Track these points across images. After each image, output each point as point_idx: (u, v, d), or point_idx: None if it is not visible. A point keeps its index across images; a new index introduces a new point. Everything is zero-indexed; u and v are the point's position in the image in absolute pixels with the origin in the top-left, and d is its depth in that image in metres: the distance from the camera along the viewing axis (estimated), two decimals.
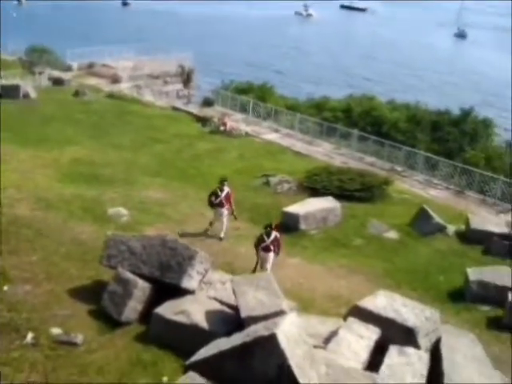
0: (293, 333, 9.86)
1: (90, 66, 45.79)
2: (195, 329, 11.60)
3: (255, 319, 10.98)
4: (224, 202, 18.27)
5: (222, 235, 18.35)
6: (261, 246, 15.71)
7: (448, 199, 27.18)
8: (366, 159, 31.98)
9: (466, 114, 44.66)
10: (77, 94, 37.79)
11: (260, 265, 15.77)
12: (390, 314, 11.97)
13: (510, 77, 77.80)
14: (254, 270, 15.57)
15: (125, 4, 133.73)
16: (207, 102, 40.79)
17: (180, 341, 11.46)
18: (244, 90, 46.94)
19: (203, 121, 36.07)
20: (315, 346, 10.73)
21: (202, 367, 9.88)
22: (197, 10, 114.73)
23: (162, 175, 25.24)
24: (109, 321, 12.28)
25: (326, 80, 79.04)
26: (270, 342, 9.49)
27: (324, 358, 10.25)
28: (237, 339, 10.15)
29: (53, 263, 14.35)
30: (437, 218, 21.62)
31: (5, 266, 13.63)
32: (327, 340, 11.39)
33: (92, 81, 42.93)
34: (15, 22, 70.53)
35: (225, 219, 18.49)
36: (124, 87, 42.11)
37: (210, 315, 11.95)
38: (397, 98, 51.82)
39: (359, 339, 11.31)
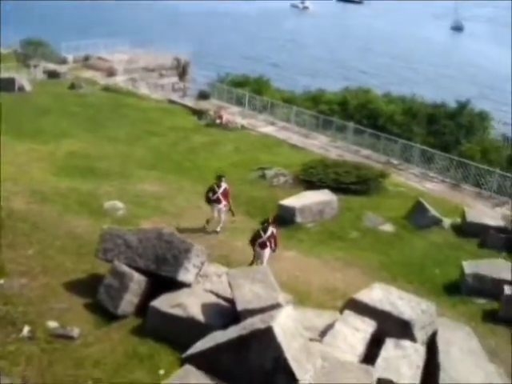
0: (289, 326, 9.86)
1: (86, 58, 45.66)
2: (191, 322, 11.61)
3: (251, 312, 10.99)
4: (221, 198, 18.20)
5: (218, 229, 18.32)
6: (257, 241, 15.63)
7: (444, 192, 27.20)
8: (362, 152, 31.96)
9: (462, 106, 44.60)
10: (72, 86, 37.67)
11: (256, 261, 15.72)
12: (386, 307, 11.99)
13: (506, 70, 77.85)
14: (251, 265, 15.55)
15: None
16: (203, 95, 40.69)
17: (176, 334, 11.48)
18: (240, 83, 46.82)
19: (199, 114, 36.00)
20: (311, 339, 10.74)
21: (198, 360, 9.89)
22: (195, 7, 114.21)
23: (157, 168, 25.20)
24: (105, 314, 12.29)
25: (322, 73, 78.82)
26: (267, 334, 9.49)
27: (320, 350, 10.27)
28: (233, 332, 10.15)
29: (49, 257, 14.34)
30: (433, 211, 21.63)
31: (1, 260, 13.61)
32: (323, 333, 11.41)
33: (87, 74, 42.78)
34: (11, 15, 70.11)
35: (222, 215, 18.45)
36: (119, 80, 41.99)
37: (207, 308, 11.96)
38: (393, 90, 51.68)
39: (355, 332, 11.33)
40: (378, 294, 12.46)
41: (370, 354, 10.99)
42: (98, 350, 11.26)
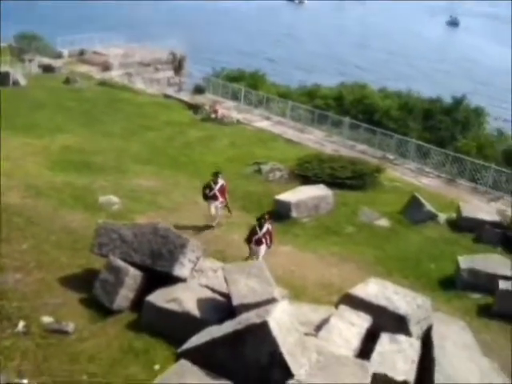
0: (284, 320, 9.87)
1: (81, 53, 45.43)
2: (187, 316, 11.61)
3: (247, 307, 10.99)
4: (218, 194, 18.04)
5: (213, 224, 18.23)
6: (253, 238, 15.57)
7: (439, 187, 27.25)
8: (358, 147, 31.98)
9: (458, 102, 44.62)
10: (67, 81, 37.54)
11: (252, 258, 15.65)
12: (382, 302, 12.00)
13: (502, 65, 77.94)
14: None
15: None
16: (198, 90, 40.64)
17: (172, 328, 11.47)
18: (235, 77, 46.74)
19: (194, 108, 35.95)
20: (307, 334, 10.75)
21: (193, 355, 9.89)
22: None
23: (153, 163, 25.16)
24: (100, 309, 12.27)
25: (318, 68, 78.78)
26: (262, 329, 9.50)
27: (315, 345, 10.28)
28: (228, 327, 10.16)
29: (43, 251, 14.30)
30: (428, 206, 21.67)
31: None
32: (319, 328, 11.41)
33: (83, 68, 42.62)
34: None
35: (219, 211, 18.35)
36: (115, 75, 41.86)
37: (202, 303, 11.95)
38: (389, 86, 51.64)
39: (351, 327, 11.34)
40: (374, 289, 12.47)
41: (366, 349, 11.00)
42: (93, 344, 11.24)
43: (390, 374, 10.19)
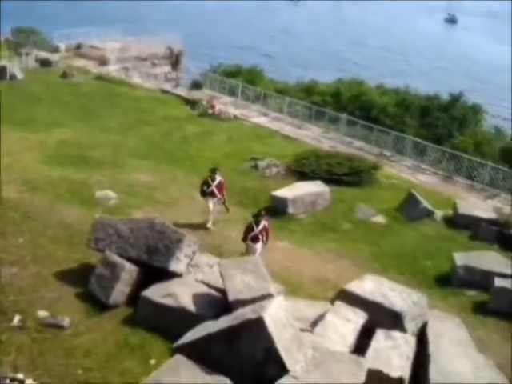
0: (280, 316, 9.88)
1: (78, 47, 45.29)
2: (183, 312, 11.61)
3: (243, 302, 10.99)
4: (216, 191, 17.90)
5: (209, 225, 17.87)
6: (249, 235, 15.52)
7: (436, 184, 27.26)
8: (355, 143, 31.98)
9: (456, 99, 44.64)
10: (64, 75, 37.42)
11: (248, 255, 15.58)
12: (378, 298, 12.02)
13: (499, 62, 77.97)
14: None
15: None
16: (196, 85, 40.54)
17: (167, 324, 11.48)
18: (233, 73, 46.67)
19: (192, 103, 35.89)
20: (302, 330, 10.76)
21: (189, 350, 9.89)
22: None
23: (150, 158, 25.13)
24: (96, 304, 12.26)
25: (316, 64, 78.71)
26: (258, 325, 9.51)
27: (311, 341, 10.29)
28: (224, 322, 10.16)
29: (40, 246, 14.29)
30: (425, 203, 21.69)
31: None
32: (314, 323, 11.42)
33: (80, 62, 42.49)
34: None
35: (216, 208, 18.17)
36: (112, 69, 41.74)
37: (198, 298, 11.95)
38: (386, 82, 51.66)
39: (346, 323, 11.35)
40: (370, 286, 12.49)
41: (361, 345, 11.01)
42: (89, 339, 11.24)
43: (385, 370, 10.21)
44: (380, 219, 21.22)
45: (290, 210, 20.67)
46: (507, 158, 34.30)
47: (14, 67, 35.60)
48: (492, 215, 21.32)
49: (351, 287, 12.44)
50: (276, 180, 23.99)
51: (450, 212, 21.88)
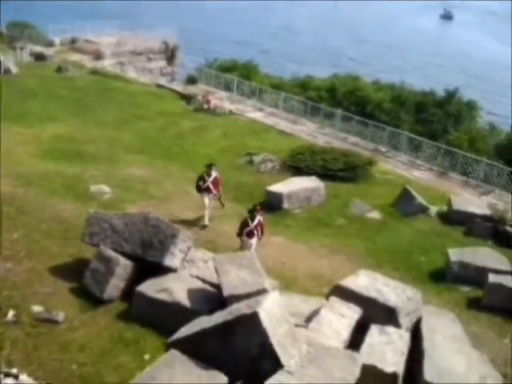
0: (275, 311, 9.88)
1: (73, 41, 45.18)
2: (177, 307, 11.60)
3: (237, 298, 10.98)
4: (211, 187, 17.77)
5: (205, 222, 17.71)
6: (245, 230, 15.50)
7: (431, 180, 27.32)
8: (350, 139, 32.00)
9: (451, 95, 44.70)
10: (59, 69, 37.32)
11: (243, 250, 15.55)
12: (372, 294, 12.02)
13: (495, 59, 78.05)
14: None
15: None
16: (191, 80, 40.50)
17: (162, 319, 11.46)
18: (228, 68, 46.65)
19: (187, 98, 35.86)
20: (297, 325, 10.76)
21: (183, 345, 9.88)
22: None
23: (145, 153, 25.10)
24: (91, 299, 12.23)
25: (311, 60, 78.68)
26: (252, 320, 9.50)
27: (305, 336, 10.29)
28: (219, 317, 10.15)
29: (34, 241, 14.24)
30: (419, 199, 21.72)
31: None
32: (309, 319, 11.43)
33: (75, 57, 42.39)
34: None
35: (211, 205, 18.05)
36: (107, 63, 41.66)
37: (193, 293, 11.94)
38: (381, 78, 51.69)
39: (341, 318, 11.36)
40: (364, 281, 12.49)
41: (355, 340, 11.02)
42: (84, 334, 11.22)
43: (380, 365, 10.22)
44: (375, 215, 21.25)
45: (285, 205, 20.68)
46: (502, 154, 34.36)
47: (9, 61, 35.47)
48: (486, 211, 21.34)
49: (346, 283, 12.44)
50: (271, 175, 23.99)
51: (445, 208, 21.92)
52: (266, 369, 9.38)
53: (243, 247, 15.48)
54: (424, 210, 21.51)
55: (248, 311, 9.65)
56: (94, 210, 14.35)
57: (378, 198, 22.59)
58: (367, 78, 50.09)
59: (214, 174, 17.90)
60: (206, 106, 33.95)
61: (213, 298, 11.86)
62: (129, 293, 12.24)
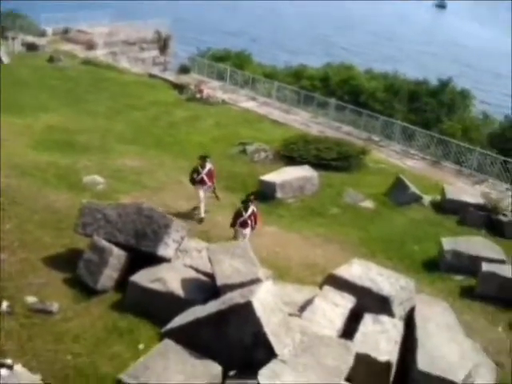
0: (268, 301, 9.89)
1: (65, 31, 44.83)
2: (171, 296, 11.61)
3: (231, 287, 11.00)
4: (206, 179, 17.54)
5: (202, 215, 17.49)
6: (238, 220, 15.43)
7: (424, 169, 27.35)
8: (343, 128, 31.98)
9: (444, 84, 44.73)
10: (51, 59, 37.06)
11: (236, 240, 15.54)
12: (366, 283, 12.05)
13: (489, 48, 78.03)
14: None
15: None
16: (184, 70, 40.33)
17: (156, 308, 11.47)
18: (221, 57, 46.51)
19: (180, 88, 35.71)
20: (290, 314, 10.78)
21: (177, 335, 9.90)
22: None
23: (138, 143, 25.01)
24: (84, 289, 12.23)
25: (304, 49, 78.45)
26: (246, 309, 9.52)
27: (299, 325, 10.32)
28: (212, 307, 10.17)
29: (27, 231, 14.21)
30: (413, 188, 21.75)
31: None
32: (302, 308, 11.46)
33: (67, 47, 42.11)
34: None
35: (205, 196, 17.80)
36: (99, 53, 41.42)
37: (186, 283, 11.95)
38: (375, 67, 51.61)
39: (334, 307, 11.38)
40: (358, 270, 12.52)
41: (349, 329, 11.05)
42: (78, 324, 11.22)
43: (373, 354, 10.26)
44: (368, 204, 21.27)
45: (279, 194, 20.68)
46: (495, 143, 34.45)
47: (0, 51, 35.21)
48: (480, 200, 21.40)
49: (339, 272, 12.46)
50: (264, 165, 23.96)
51: (438, 197, 21.96)
52: (259, 358, 9.41)
53: (237, 237, 15.45)
54: (417, 199, 21.54)
55: (242, 300, 9.67)
56: (87, 201, 14.32)
57: (372, 187, 22.61)
58: (360, 67, 49.99)
59: (208, 165, 17.65)
60: (198, 96, 33.82)
61: (206, 288, 11.87)
62: (122, 283, 12.25)
